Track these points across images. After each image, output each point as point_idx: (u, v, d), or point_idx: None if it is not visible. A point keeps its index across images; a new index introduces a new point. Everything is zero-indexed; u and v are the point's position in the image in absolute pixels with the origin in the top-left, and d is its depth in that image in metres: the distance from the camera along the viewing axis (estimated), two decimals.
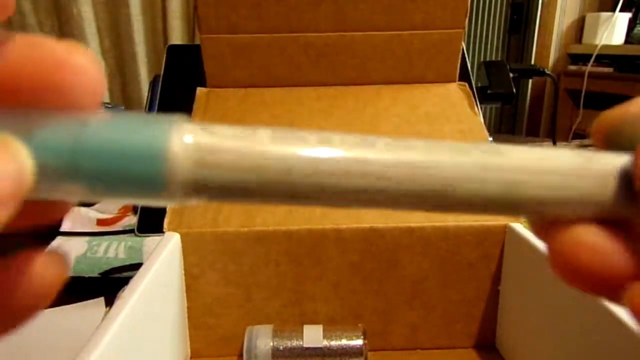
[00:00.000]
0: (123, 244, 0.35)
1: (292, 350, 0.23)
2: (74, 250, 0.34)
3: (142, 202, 0.06)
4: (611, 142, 0.08)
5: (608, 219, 0.07)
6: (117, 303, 0.18)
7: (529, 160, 0.07)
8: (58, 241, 0.35)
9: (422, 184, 0.07)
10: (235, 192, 0.06)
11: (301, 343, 0.23)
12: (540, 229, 0.08)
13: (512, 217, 0.07)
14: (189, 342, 0.25)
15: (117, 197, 0.06)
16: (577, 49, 1.30)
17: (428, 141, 0.07)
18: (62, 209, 0.08)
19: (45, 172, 0.06)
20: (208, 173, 0.06)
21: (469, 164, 0.07)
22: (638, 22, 1.23)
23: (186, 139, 0.06)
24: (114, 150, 0.06)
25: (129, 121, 0.06)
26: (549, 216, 0.07)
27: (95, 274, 0.32)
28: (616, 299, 0.07)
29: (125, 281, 0.19)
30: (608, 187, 0.07)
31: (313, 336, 0.23)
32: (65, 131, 0.06)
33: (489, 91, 0.48)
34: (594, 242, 0.07)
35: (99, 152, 0.06)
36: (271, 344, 0.23)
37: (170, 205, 0.06)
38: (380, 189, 0.07)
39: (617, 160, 0.07)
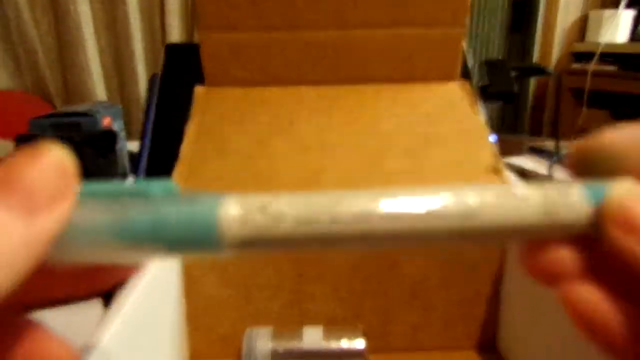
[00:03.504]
0: None
1: (291, 352, 0.23)
2: None
3: (202, 255, 0.09)
4: (582, 171, 0.09)
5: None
6: (115, 304, 0.17)
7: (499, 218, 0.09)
8: None
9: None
10: (271, 247, 0.09)
11: (301, 344, 0.23)
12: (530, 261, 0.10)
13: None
14: (188, 343, 0.25)
15: (184, 254, 0.09)
16: (580, 47, 1.29)
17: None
18: (121, 274, 0.09)
19: (137, 239, 0.08)
20: (247, 236, 0.08)
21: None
22: None
23: (231, 211, 0.08)
24: (182, 224, 0.08)
25: (189, 201, 0.08)
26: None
27: None
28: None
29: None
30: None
31: (313, 337, 0.23)
32: (146, 212, 0.08)
33: (489, 90, 0.48)
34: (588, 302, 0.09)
35: (172, 225, 0.08)
36: (270, 345, 0.23)
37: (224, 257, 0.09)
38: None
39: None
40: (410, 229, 0.08)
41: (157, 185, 0.08)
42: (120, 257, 0.08)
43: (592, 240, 0.09)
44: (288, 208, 0.08)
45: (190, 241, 0.08)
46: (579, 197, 0.09)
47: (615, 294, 0.09)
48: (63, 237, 0.08)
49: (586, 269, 0.09)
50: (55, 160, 0.07)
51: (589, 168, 0.09)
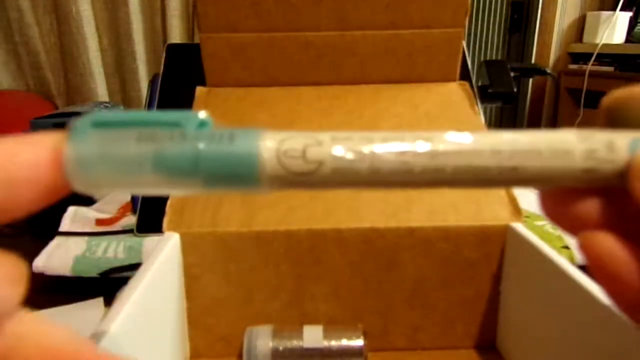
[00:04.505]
0: (122, 244, 0.34)
1: (292, 351, 0.23)
2: (73, 250, 0.34)
3: (239, 192, 0.09)
4: (614, 119, 0.09)
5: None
6: (116, 303, 0.18)
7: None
8: (57, 241, 0.35)
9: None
10: (306, 184, 0.09)
11: (301, 343, 0.23)
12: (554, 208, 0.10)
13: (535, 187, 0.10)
14: (188, 343, 0.25)
15: (221, 190, 0.08)
16: (577, 48, 1.29)
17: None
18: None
19: (174, 174, 0.08)
20: (286, 171, 0.08)
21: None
22: (639, 21, 1.23)
23: (270, 151, 0.08)
24: (221, 160, 0.08)
25: (228, 136, 0.08)
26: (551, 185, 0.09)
27: (95, 274, 0.32)
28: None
29: (125, 281, 0.19)
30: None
31: (313, 336, 0.23)
32: (184, 146, 0.08)
33: (489, 90, 0.48)
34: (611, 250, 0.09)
35: (211, 161, 0.08)
36: (271, 344, 0.23)
37: (261, 193, 0.08)
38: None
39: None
40: (451, 173, 0.08)
41: (190, 118, 0.08)
42: (153, 189, 0.08)
43: (622, 190, 0.09)
44: (328, 154, 0.08)
45: (229, 179, 0.08)
46: (623, 152, 0.09)
47: (636, 246, 0.09)
48: (98, 165, 0.08)
49: (610, 218, 0.09)
50: (7, 270, 0.07)
51: (621, 119, 0.09)
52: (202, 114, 0.08)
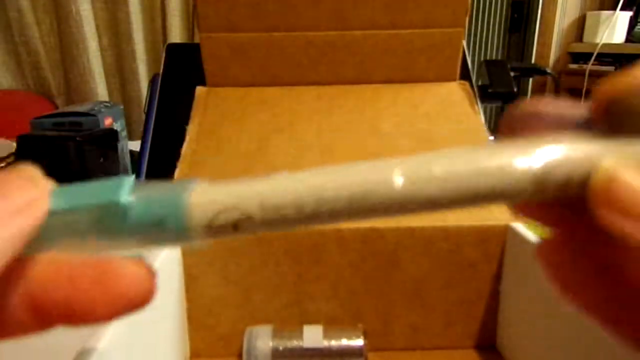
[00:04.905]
0: None
1: (292, 351, 0.23)
2: None
3: (174, 246, 0.09)
4: (614, 113, 0.08)
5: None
6: None
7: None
8: None
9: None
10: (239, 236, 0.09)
11: (301, 343, 0.23)
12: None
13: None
14: (188, 343, 0.25)
15: (155, 246, 0.09)
16: (577, 48, 1.29)
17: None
18: None
19: (113, 240, 0.09)
20: (217, 223, 0.09)
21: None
22: (639, 20, 1.23)
23: (198, 200, 0.09)
24: (152, 214, 0.09)
25: (159, 190, 0.09)
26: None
27: None
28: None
29: None
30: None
31: (313, 336, 0.23)
32: (121, 222, 0.09)
33: (489, 90, 0.48)
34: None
35: (143, 229, 0.09)
36: (271, 344, 0.23)
37: (191, 246, 0.10)
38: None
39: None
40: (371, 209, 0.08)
41: (122, 191, 0.09)
42: (95, 251, 0.09)
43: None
44: (257, 209, 0.08)
45: (161, 241, 0.09)
46: (586, 173, 0.08)
47: (588, 246, 0.09)
48: (43, 238, 0.09)
49: (562, 218, 0.09)
50: (25, 172, 0.08)
51: (620, 118, 0.08)
52: (128, 184, 0.09)
